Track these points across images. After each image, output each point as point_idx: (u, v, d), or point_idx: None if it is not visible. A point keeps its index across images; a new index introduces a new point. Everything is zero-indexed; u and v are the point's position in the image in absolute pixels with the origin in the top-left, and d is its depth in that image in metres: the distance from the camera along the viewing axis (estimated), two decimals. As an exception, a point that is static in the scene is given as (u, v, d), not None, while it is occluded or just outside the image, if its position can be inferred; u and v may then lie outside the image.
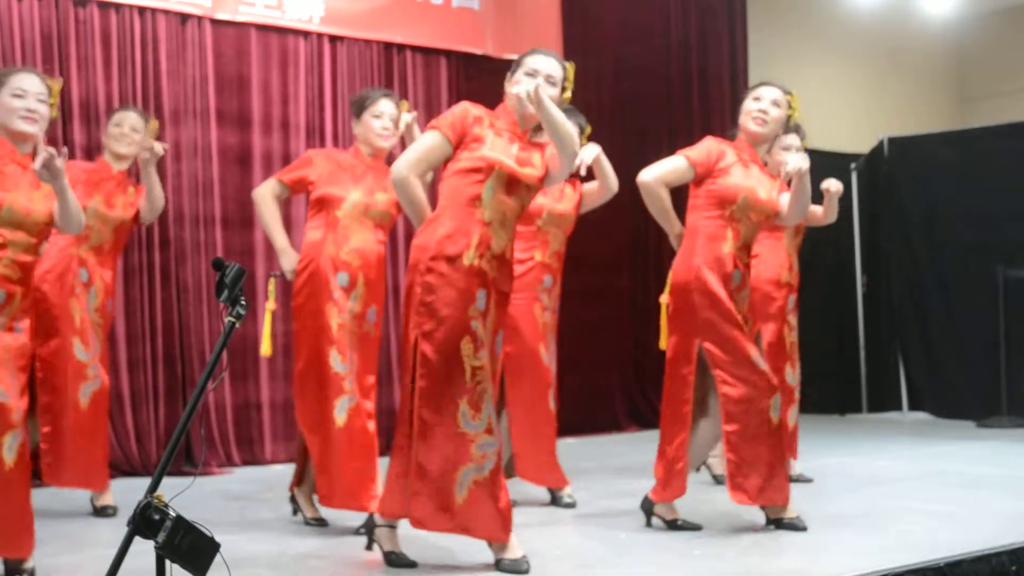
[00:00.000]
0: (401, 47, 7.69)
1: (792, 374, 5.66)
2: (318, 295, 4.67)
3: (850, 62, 10.59)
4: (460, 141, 3.91)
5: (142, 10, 6.72)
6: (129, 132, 5.27)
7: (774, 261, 5.75)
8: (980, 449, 7.18)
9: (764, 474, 4.49)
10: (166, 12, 6.79)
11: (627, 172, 5.47)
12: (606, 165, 5.23)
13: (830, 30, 10.21)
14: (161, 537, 2.59)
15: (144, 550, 2.64)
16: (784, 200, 4.63)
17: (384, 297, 4.92)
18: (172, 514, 2.61)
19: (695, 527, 4.60)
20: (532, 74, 3.97)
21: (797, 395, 5.76)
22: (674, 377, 4.59)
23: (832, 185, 5.34)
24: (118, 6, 6.64)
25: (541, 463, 5.28)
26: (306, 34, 7.33)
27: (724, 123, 9.62)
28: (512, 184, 3.90)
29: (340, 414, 4.61)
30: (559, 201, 5.31)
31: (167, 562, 2.64)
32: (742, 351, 4.47)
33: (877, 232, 9.96)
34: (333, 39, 7.42)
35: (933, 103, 11.26)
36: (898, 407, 9.74)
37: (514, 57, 4.14)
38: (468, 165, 3.88)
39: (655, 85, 9.04)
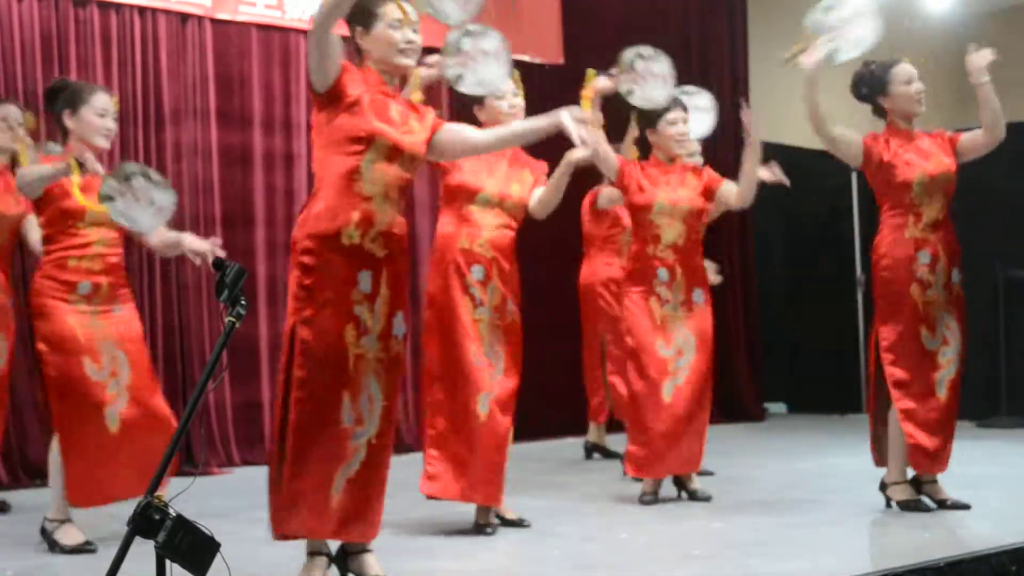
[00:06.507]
0: (401, 47, 7.68)
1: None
2: (451, 289, 4.56)
3: (850, 62, 10.55)
4: (334, 88, 3.50)
5: (142, 10, 6.72)
6: (16, 128, 4.98)
7: None
8: (980, 449, 7.17)
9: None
10: (166, 12, 6.79)
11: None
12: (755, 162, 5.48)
13: (830, 30, 10.19)
14: (161, 537, 2.59)
15: (144, 550, 2.64)
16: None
17: (519, 287, 4.76)
18: (172, 514, 2.61)
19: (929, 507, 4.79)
20: (397, 25, 3.59)
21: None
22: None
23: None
24: (118, 6, 6.65)
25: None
26: (306, 33, 7.31)
27: (724, 123, 9.60)
28: (394, 153, 3.56)
29: (483, 408, 4.52)
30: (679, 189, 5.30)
31: (167, 562, 2.64)
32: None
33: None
34: (333, 39, 7.42)
35: (933, 103, 11.22)
36: (898, 407, 9.72)
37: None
38: (345, 135, 3.51)
39: (655, 85, 9.02)
